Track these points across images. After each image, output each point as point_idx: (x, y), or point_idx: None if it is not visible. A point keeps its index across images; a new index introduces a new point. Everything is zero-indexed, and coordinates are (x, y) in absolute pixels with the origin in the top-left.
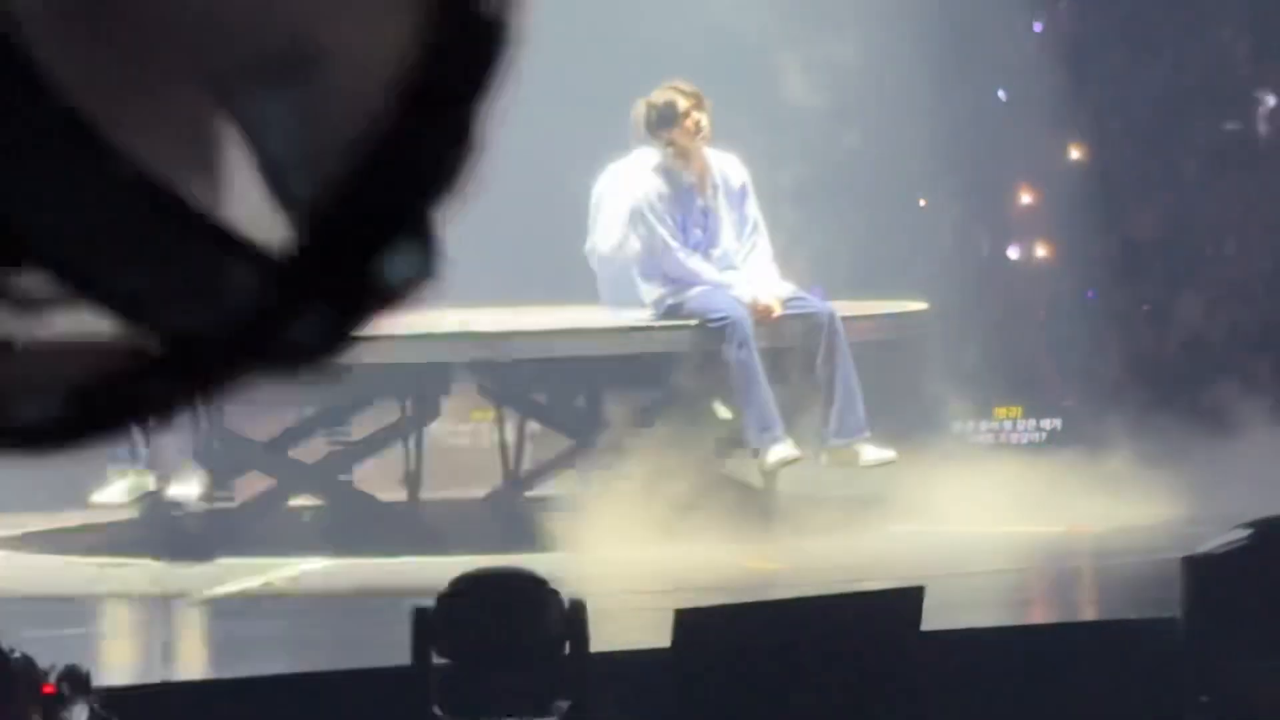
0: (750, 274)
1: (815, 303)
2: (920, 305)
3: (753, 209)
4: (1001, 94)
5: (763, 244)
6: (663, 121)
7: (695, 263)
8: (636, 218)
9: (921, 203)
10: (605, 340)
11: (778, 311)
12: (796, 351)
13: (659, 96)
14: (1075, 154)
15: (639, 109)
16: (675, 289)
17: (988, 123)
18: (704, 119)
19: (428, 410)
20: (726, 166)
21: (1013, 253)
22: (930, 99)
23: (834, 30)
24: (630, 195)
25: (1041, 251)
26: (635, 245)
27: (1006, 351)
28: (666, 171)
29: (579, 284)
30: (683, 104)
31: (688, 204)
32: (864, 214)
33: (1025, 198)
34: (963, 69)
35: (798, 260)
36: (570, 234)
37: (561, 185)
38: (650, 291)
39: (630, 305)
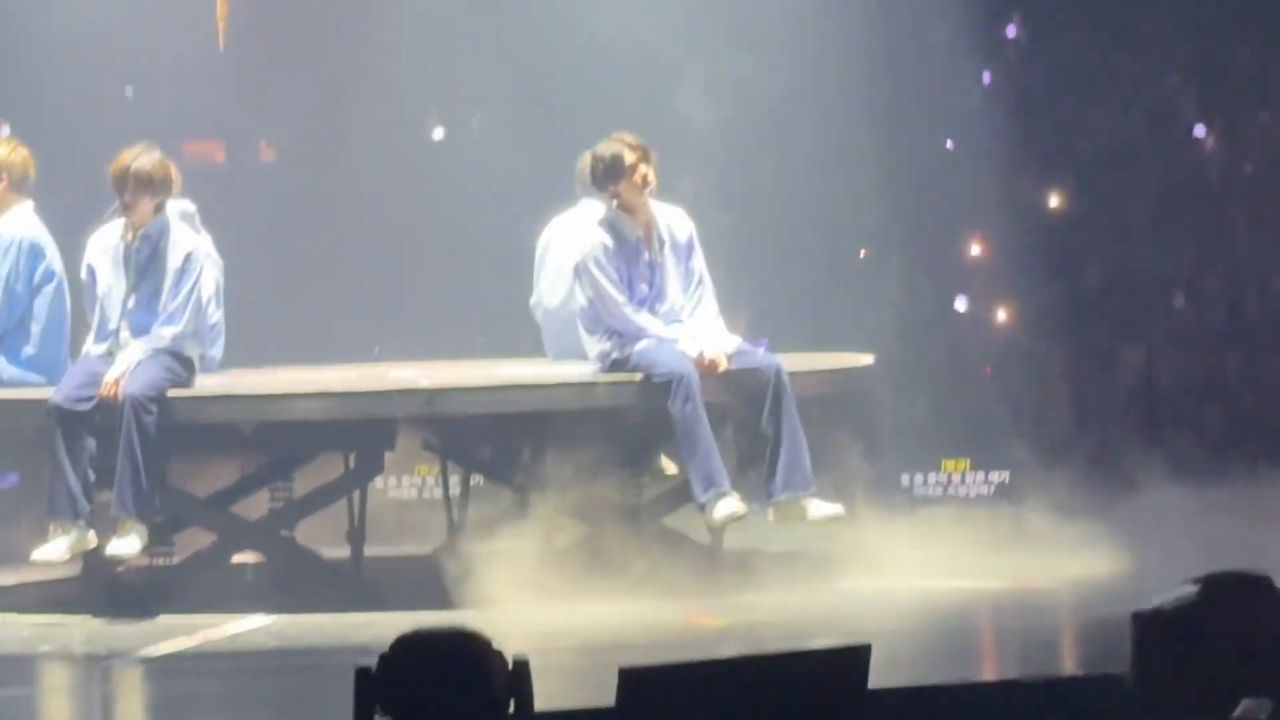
0: (697, 328)
1: (761, 357)
2: (866, 358)
3: (699, 262)
4: (949, 144)
5: (709, 298)
6: (609, 175)
7: (641, 317)
8: (582, 271)
9: (861, 253)
10: (550, 395)
11: (724, 366)
12: (743, 406)
13: (605, 149)
14: (1025, 203)
15: (584, 161)
16: (621, 343)
17: (934, 172)
18: (650, 172)
19: (371, 465)
20: (673, 219)
21: (960, 304)
22: (875, 148)
23: (775, 78)
24: (576, 248)
25: (989, 302)
26: (581, 299)
27: (955, 404)
28: (613, 225)
29: (523, 337)
30: (629, 157)
31: (634, 258)
32: (807, 265)
33: (973, 248)
34: (908, 118)
35: (743, 313)
36: (515, 287)
37: (506, 237)
38: (596, 345)
39: (576, 359)
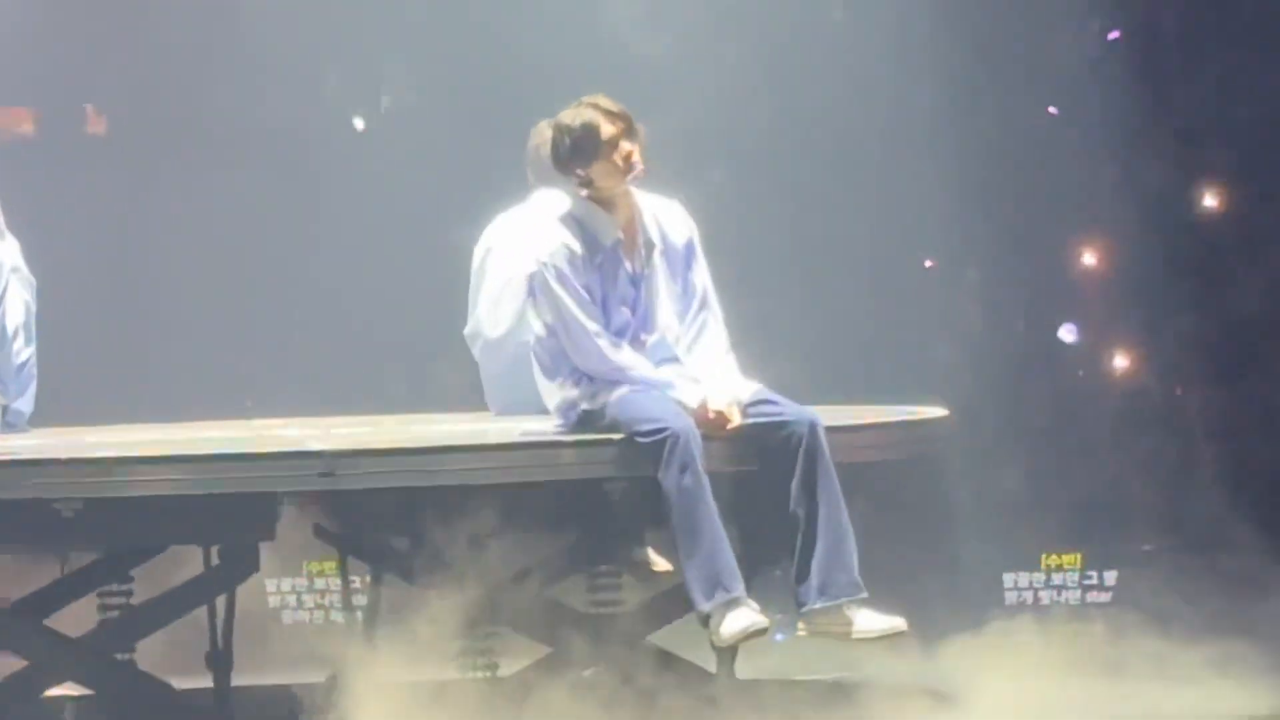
0: (698, 367)
1: (789, 408)
2: (936, 411)
3: (702, 276)
4: (1053, 110)
5: (715, 325)
6: (578, 153)
7: (622, 354)
8: (539, 288)
9: (928, 264)
10: (492, 462)
11: (736, 421)
12: (763, 477)
13: (572, 117)
14: (1160, 197)
15: (540, 135)
16: (592, 390)
17: (1031, 154)
18: (636, 151)
19: (242, 561)
20: (666, 217)
21: (1066, 334)
22: (946, 120)
23: (801, 27)
24: (529, 255)
25: (1107, 334)
26: (536, 327)
27: (1059, 474)
28: (581, 223)
29: (456, 382)
30: (607, 129)
31: (611, 269)
32: (853, 282)
33: (1085, 258)
34: (994, 80)
35: (763, 348)
36: (443, 312)
37: (430, 244)
38: (557, 393)
39: (528, 412)
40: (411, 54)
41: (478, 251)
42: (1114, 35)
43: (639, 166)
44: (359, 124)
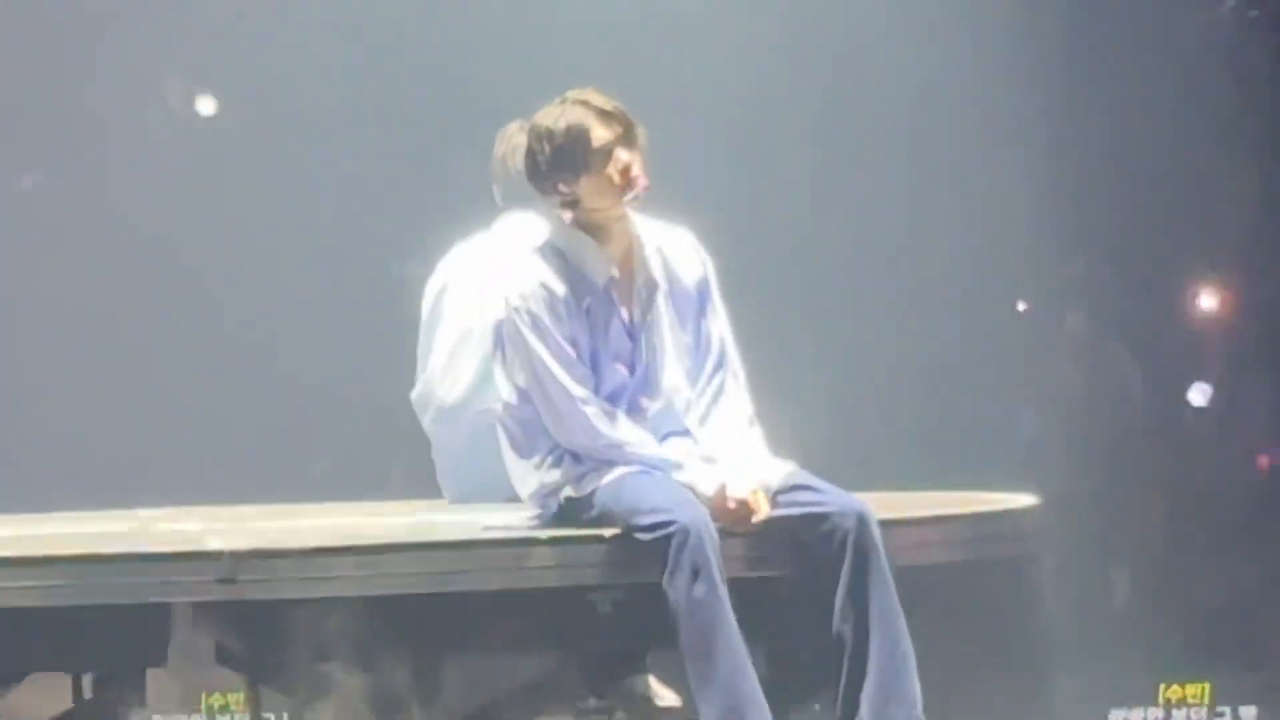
0: (715, 443)
1: (832, 496)
2: (1025, 500)
3: (719, 325)
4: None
5: (735, 389)
6: (562, 164)
7: (616, 426)
8: (509, 339)
9: (1020, 307)
10: (447, 563)
11: (764, 512)
12: (798, 584)
13: (555, 118)
14: None
15: (512, 140)
16: (577, 472)
17: (1148, 161)
18: (636, 162)
19: (122, 692)
20: (672, 250)
21: (1197, 396)
22: (1040, 123)
23: (856, 18)
24: (495, 299)
25: (1250, 393)
26: (505, 391)
27: (1185, 586)
28: (564, 257)
29: (398, 462)
30: (600, 134)
31: (603, 317)
32: (918, 331)
33: (1221, 298)
34: (1101, 73)
35: (796, 415)
36: (382, 370)
37: (368, 281)
38: (534, 476)
39: (493, 500)
40: (341, 35)
41: (429, 292)
42: (1254, 13)
43: (641, 182)
44: (206, 107)
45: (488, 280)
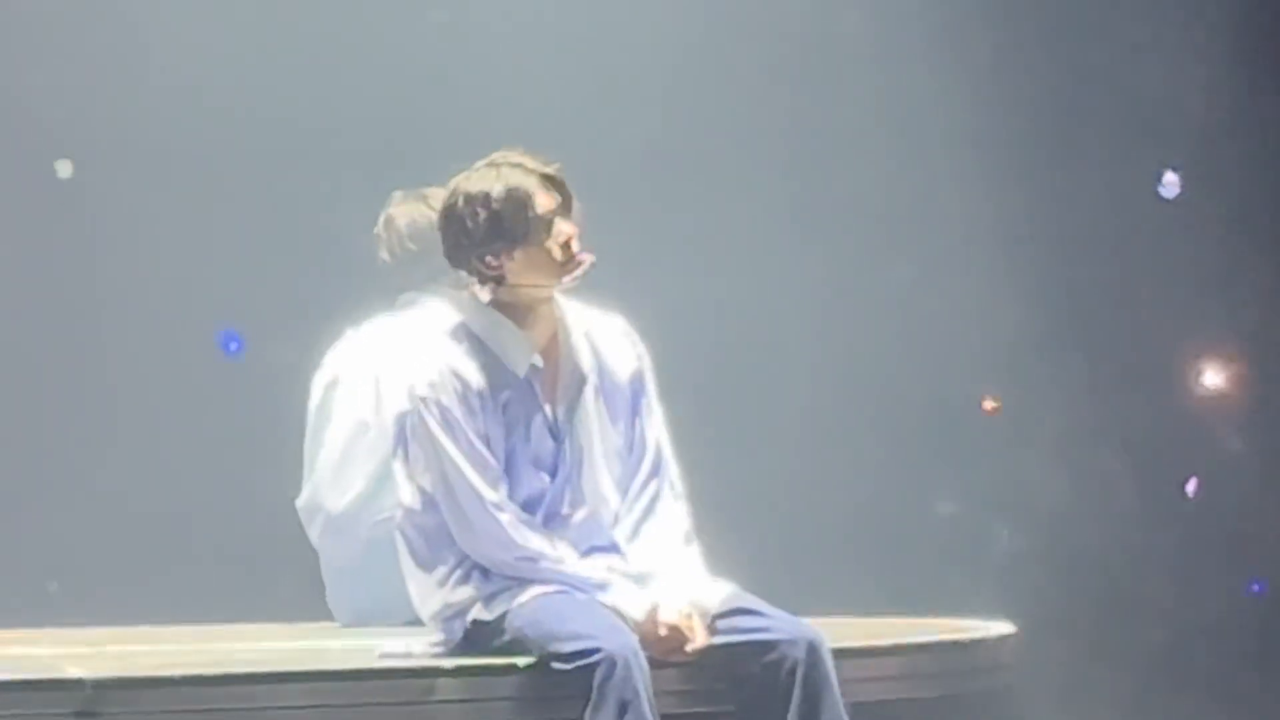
0: (646, 560)
1: (779, 621)
2: (1001, 628)
3: (655, 428)
4: (1169, 180)
5: (672, 500)
6: (497, 232)
7: (533, 537)
8: (411, 437)
9: (988, 405)
10: (337, 695)
11: (701, 639)
12: (742, 718)
13: (490, 182)
14: None
15: (415, 209)
16: (488, 590)
17: (1139, 235)
18: (574, 236)
19: None
20: (604, 339)
21: (1190, 488)
22: (1016, 190)
23: (814, 69)
24: (396, 390)
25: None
26: (405, 495)
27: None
28: (480, 342)
29: (282, 579)
30: (543, 201)
31: (522, 414)
32: (876, 429)
33: (1217, 379)
34: (1089, 134)
35: (739, 528)
36: (263, 473)
37: (244, 371)
38: (434, 594)
39: (389, 622)
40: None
41: (317, 385)
42: None
43: (586, 259)
44: (64, 170)
45: (384, 371)
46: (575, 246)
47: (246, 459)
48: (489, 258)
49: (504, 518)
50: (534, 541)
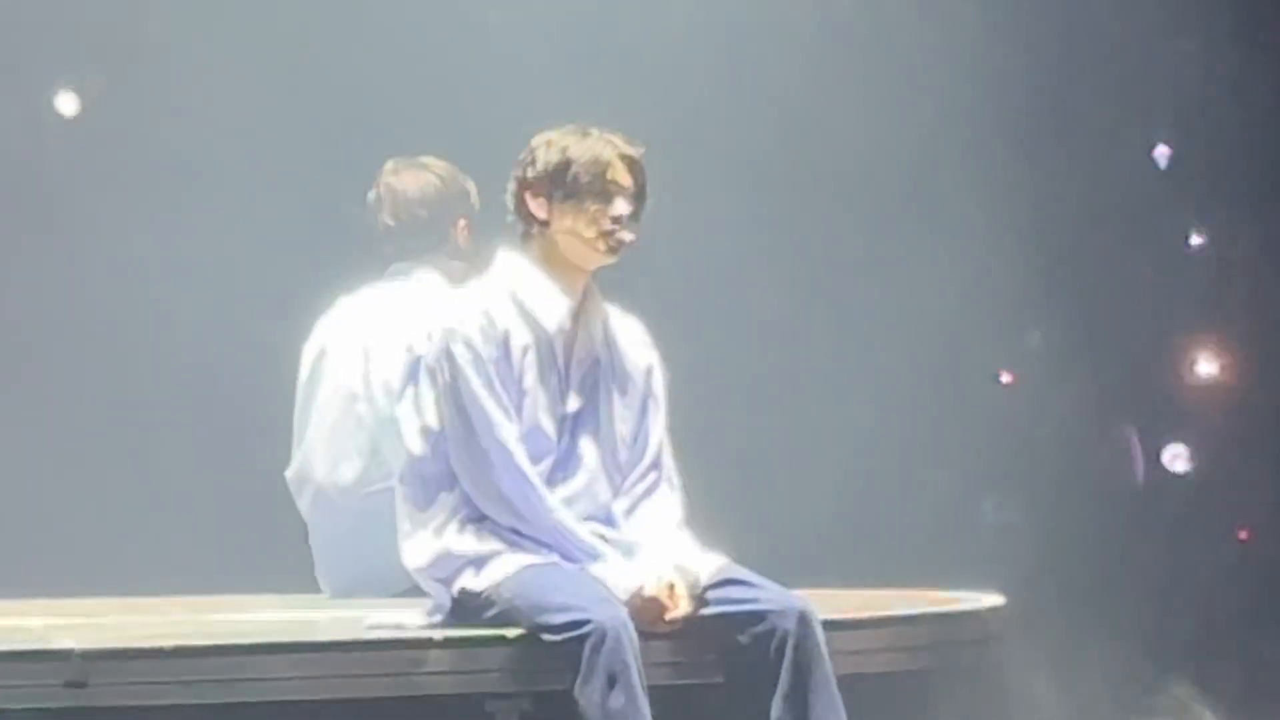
0: (641, 537)
1: (769, 593)
2: (991, 600)
3: (659, 429)
4: (1162, 151)
5: (668, 491)
6: (562, 179)
7: (537, 500)
8: (438, 366)
9: (1005, 379)
10: (325, 667)
11: (682, 609)
12: (730, 693)
13: (579, 139)
14: None
15: (398, 176)
16: (481, 553)
17: (1126, 211)
18: (626, 216)
19: None
20: (623, 334)
21: (1175, 462)
22: (1015, 164)
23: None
24: (394, 347)
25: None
26: (412, 440)
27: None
28: (515, 293)
29: (272, 550)
30: (621, 175)
31: (542, 370)
32: (866, 403)
33: (1201, 364)
34: (1085, 110)
35: (730, 502)
36: (253, 443)
37: (235, 339)
38: (429, 544)
39: (380, 594)
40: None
41: (306, 355)
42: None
43: (627, 237)
44: (68, 106)
45: (373, 341)
46: (622, 228)
47: (237, 429)
48: (542, 198)
49: (516, 449)
50: (539, 483)
